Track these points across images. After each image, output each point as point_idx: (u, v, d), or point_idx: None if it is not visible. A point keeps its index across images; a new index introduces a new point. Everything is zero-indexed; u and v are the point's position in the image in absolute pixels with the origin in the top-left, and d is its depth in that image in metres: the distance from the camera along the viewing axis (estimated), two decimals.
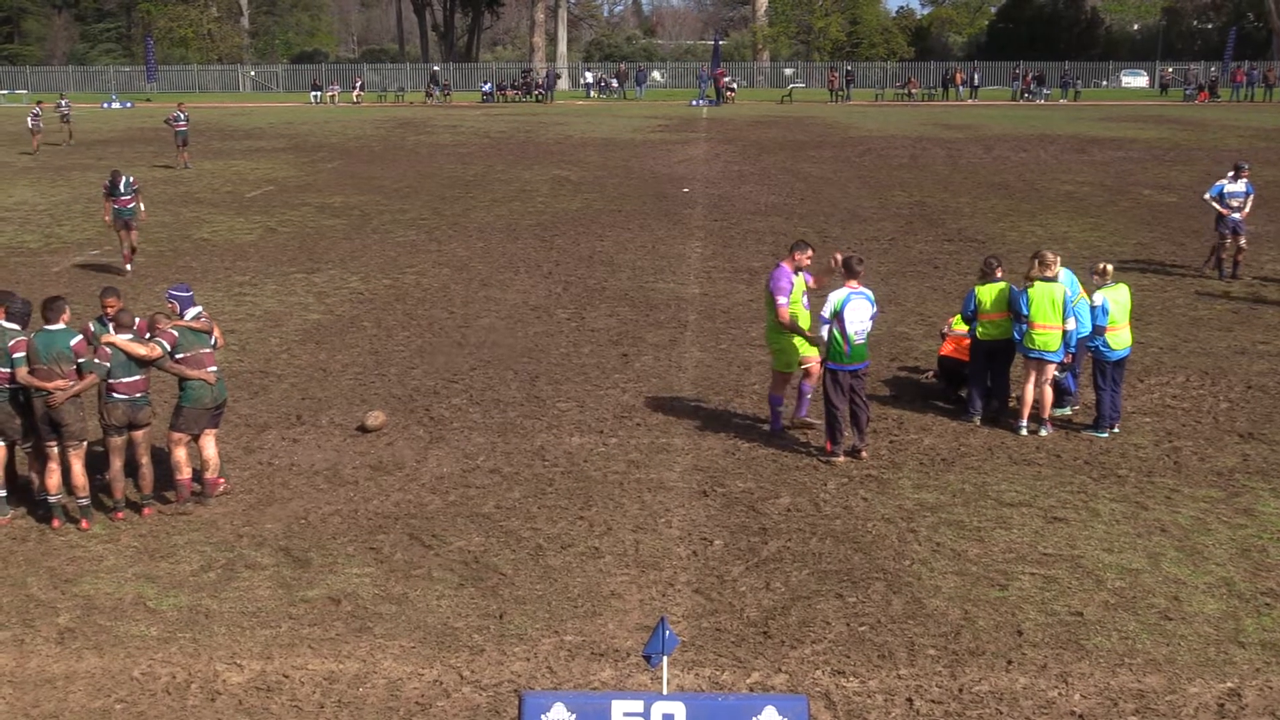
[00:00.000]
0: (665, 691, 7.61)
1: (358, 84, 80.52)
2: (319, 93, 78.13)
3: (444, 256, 23.59)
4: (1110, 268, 13.27)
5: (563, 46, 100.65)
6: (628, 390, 14.83)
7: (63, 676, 8.41)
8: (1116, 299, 13.02)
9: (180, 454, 11.16)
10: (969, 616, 9.15)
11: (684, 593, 9.59)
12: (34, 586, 9.72)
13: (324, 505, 11.32)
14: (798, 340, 12.82)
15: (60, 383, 10.67)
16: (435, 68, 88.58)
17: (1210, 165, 38.14)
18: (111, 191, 21.97)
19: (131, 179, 22.58)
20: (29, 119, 44.54)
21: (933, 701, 8.07)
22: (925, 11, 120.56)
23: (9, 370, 10.68)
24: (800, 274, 12.85)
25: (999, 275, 13.35)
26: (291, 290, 20.62)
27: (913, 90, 78.70)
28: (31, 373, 10.66)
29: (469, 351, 16.60)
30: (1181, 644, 8.74)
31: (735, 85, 76.90)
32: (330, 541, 10.53)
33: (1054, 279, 12.91)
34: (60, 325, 10.86)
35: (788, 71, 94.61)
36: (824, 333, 12.24)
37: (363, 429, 13.29)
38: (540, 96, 76.18)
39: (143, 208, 22.67)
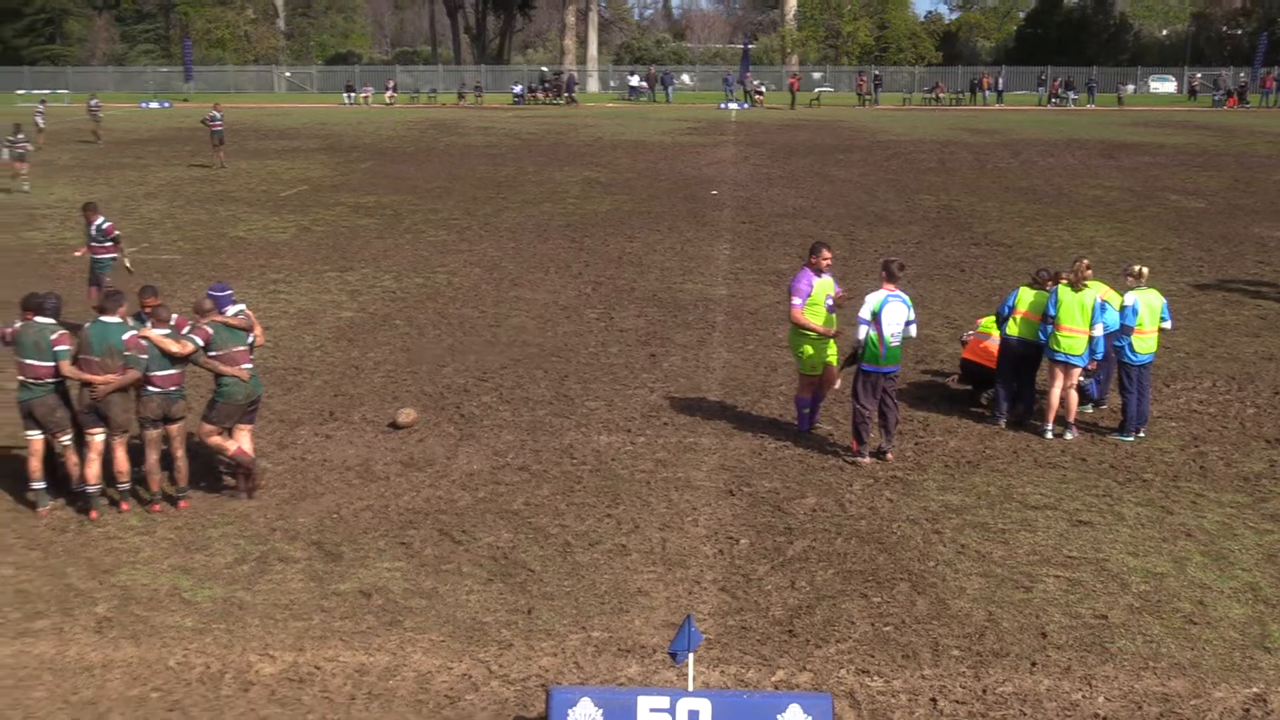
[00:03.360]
0: (691, 688, 7.63)
1: (390, 85, 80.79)
2: (352, 94, 78.44)
3: (475, 256, 23.66)
4: (1145, 270, 13.20)
5: (593, 49, 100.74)
6: (655, 390, 14.85)
7: (100, 665, 8.49)
8: (1148, 302, 12.93)
9: (217, 439, 11.23)
10: (993, 618, 9.13)
11: (710, 591, 9.60)
12: (73, 577, 9.81)
13: (356, 500, 11.38)
14: (820, 343, 12.77)
15: (108, 376, 10.77)
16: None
17: (1239, 171, 37.90)
18: (87, 233, 18.14)
19: (105, 223, 18.13)
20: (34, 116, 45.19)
21: (956, 702, 8.05)
22: (953, 16, 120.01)
23: (52, 364, 10.80)
24: (824, 275, 12.81)
25: (1048, 287, 13.29)
26: (325, 288, 20.72)
27: (940, 95, 78.46)
28: (79, 362, 10.77)
29: (499, 350, 16.65)
30: (1206, 649, 8.69)
31: (764, 89, 76.82)
32: (361, 536, 10.59)
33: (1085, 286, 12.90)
34: (116, 319, 10.97)
35: (816, 75, 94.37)
36: (861, 334, 12.20)
37: (394, 426, 13.35)
38: (569, 100, 76.23)
39: (128, 263, 18.55)
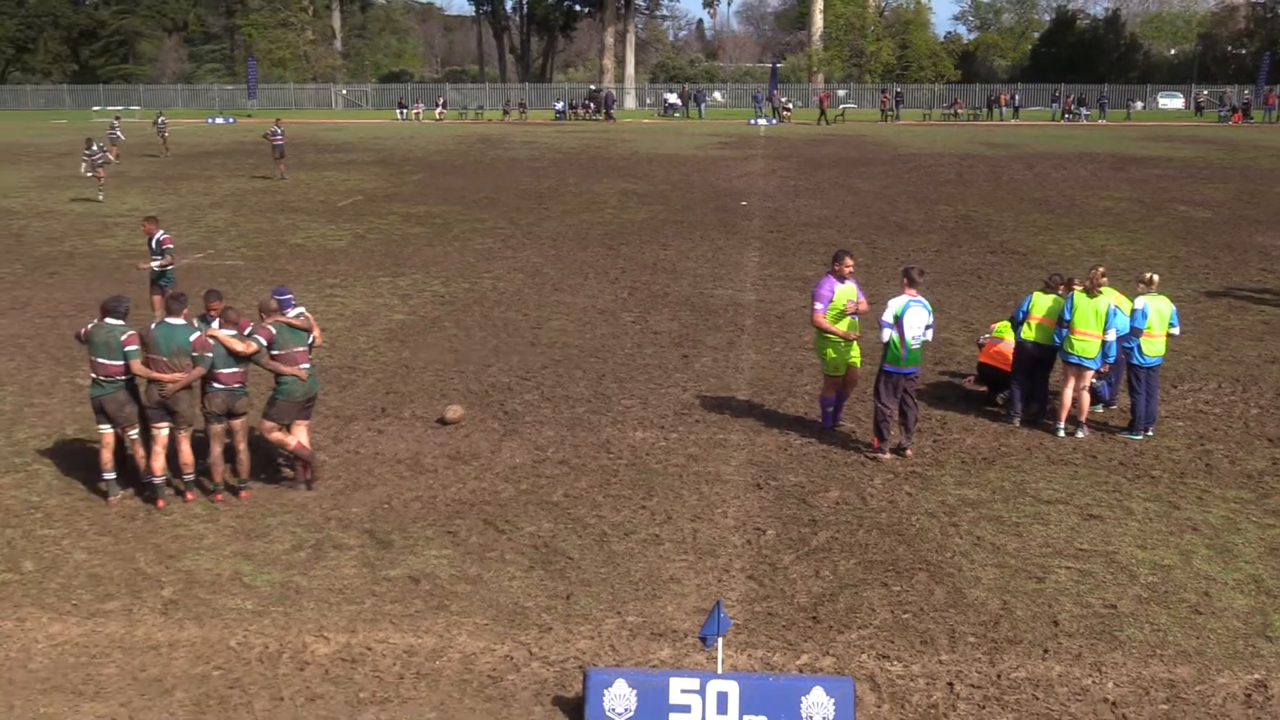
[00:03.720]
0: (720, 670, 7.61)
1: (440, 102, 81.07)
2: (404, 110, 78.80)
3: (519, 263, 23.69)
4: (1156, 277, 13.10)
5: (631, 68, 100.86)
6: (687, 389, 14.82)
7: (166, 644, 8.55)
8: (1157, 308, 12.80)
9: (278, 435, 11.30)
10: (1007, 607, 9.05)
11: (738, 579, 9.56)
12: (141, 561, 9.89)
13: (406, 491, 11.41)
14: (843, 346, 12.69)
15: (177, 375, 10.86)
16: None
17: (1243, 183, 37.46)
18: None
19: (163, 236, 17.86)
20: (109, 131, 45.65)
21: (972, 686, 7.99)
22: (971, 36, 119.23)
23: (122, 363, 10.89)
24: (846, 282, 12.70)
25: (1060, 291, 13.20)
26: (378, 292, 20.81)
27: (959, 111, 78.01)
28: (148, 361, 10.86)
29: (540, 351, 16.67)
30: (1211, 637, 8.59)
31: (791, 105, 76.60)
32: (411, 525, 10.62)
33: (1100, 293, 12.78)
34: (181, 320, 11.05)
35: (841, 93, 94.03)
36: (884, 336, 12.13)
37: (442, 421, 13.38)
38: (607, 116, 76.22)
39: (145, 263, 18.15)
